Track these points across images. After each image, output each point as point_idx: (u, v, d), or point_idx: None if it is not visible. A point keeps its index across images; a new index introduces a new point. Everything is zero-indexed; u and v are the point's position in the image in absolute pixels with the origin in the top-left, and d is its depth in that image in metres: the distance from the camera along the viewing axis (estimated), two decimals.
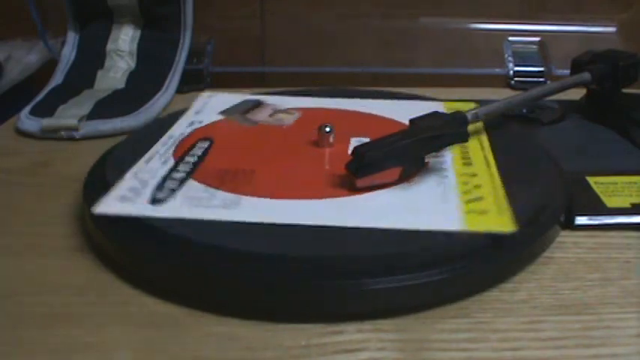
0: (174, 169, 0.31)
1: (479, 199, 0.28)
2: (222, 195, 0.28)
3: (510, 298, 0.25)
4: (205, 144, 0.33)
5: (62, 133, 0.41)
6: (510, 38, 0.55)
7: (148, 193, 0.28)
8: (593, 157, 0.35)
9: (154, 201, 0.28)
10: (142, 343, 0.23)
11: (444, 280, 0.24)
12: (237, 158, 0.32)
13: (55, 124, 0.42)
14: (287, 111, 0.39)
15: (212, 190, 0.29)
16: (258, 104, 0.40)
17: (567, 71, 0.42)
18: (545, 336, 0.23)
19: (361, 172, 0.28)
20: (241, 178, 0.30)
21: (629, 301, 0.25)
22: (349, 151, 0.29)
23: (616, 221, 0.30)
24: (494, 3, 0.56)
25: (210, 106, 0.40)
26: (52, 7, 0.52)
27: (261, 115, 0.38)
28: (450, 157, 0.32)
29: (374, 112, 0.39)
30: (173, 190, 0.28)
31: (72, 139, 0.41)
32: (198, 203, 0.28)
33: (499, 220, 0.26)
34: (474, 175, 0.30)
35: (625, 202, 0.30)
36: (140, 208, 0.27)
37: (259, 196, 0.28)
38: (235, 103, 0.40)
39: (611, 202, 0.30)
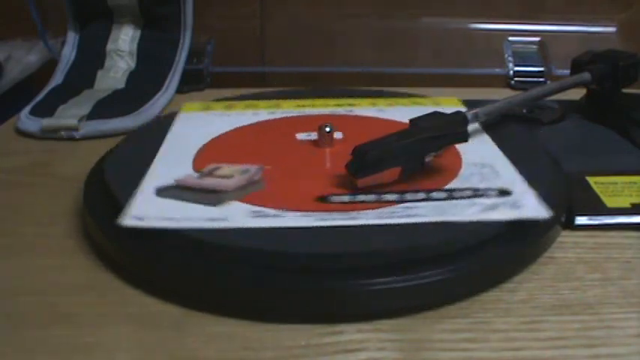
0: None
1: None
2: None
3: (510, 298, 0.25)
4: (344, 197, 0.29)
5: (62, 133, 0.41)
6: (510, 38, 0.55)
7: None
8: (593, 157, 0.35)
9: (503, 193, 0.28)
10: (142, 343, 0.23)
11: (444, 280, 0.24)
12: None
13: (55, 124, 0.42)
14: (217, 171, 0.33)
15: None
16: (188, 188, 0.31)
17: (567, 71, 0.42)
18: (545, 336, 0.23)
19: (361, 172, 0.28)
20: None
21: (629, 301, 0.25)
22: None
23: (616, 221, 0.30)
24: (494, 3, 0.56)
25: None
26: (52, 7, 0.52)
27: (226, 183, 0.31)
28: None
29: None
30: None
31: (72, 139, 0.41)
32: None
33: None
34: None
35: (625, 202, 0.30)
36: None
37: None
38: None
39: (611, 202, 0.30)
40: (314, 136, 0.34)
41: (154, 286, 0.26)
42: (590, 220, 0.30)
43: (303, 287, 0.24)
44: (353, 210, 0.27)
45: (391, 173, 0.29)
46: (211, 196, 0.28)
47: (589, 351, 0.22)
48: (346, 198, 0.28)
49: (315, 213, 0.27)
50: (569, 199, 0.30)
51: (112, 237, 0.27)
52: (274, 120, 0.39)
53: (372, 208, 0.27)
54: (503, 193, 0.28)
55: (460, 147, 0.32)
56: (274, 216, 0.27)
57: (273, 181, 0.30)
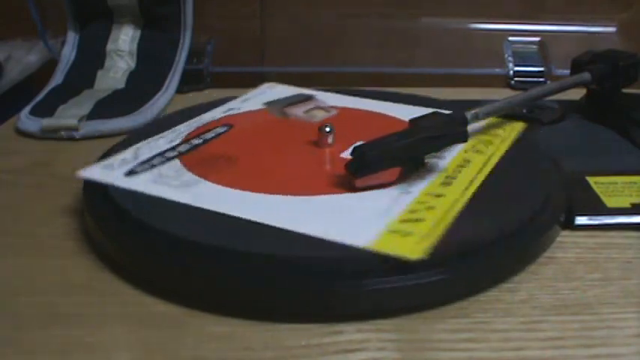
0: (173, 148, 0.31)
1: (418, 220, 0.26)
2: (187, 176, 0.29)
3: (510, 298, 0.25)
4: (222, 129, 0.33)
5: (62, 133, 0.41)
6: (510, 38, 0.55)
7: (131, 165, 0.29)
8: (593, 157, 0.35)
9: (129, 173, 0.28)
10: (142, 343, 0.23)
11: (444, 280, 0.24)
12: (235, 146, 0.33)
13: (55, 124, 0.42)
14: (325, 109, 0.39)
15: (182, 171, 0.29)
16: (305, 99, 0.40)
17: (567, 71, 0.42)
18: (545, 336, 0.23)
19: (361, 172, 0.28)
20: (221, 165, 0.31)
21: (629, 301, 0.25)
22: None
23: (616, 221, 0.30)
24: (494, 3, 0.56)
25: (260, 96, 0.40)
26: (52, 7, 0.52)
27: (297, 110, 0.38)
28: (431, 175, 0.30)
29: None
30: (153, 166, 0.29)
31: (72, 139, 0.41)
32: (162, 181, 0.28)
33: (411, 246, 0.24)
34: (439, 196, 0.28)
35: (625, 202, 0.30)
36: (113, 177, 0.28)
37: (223, 184, 0.29)
38: (289, 95, 0.41)
39: (611, 202, 0.30)
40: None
41: (153, 286, 0.26)
42: (590, 220, 0.30)
43: (303, 287, 0.24)
44: None
45: (391, 173, 0.29)
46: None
47: (589, 351, 0.22)
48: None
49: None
50: (569, 199, 0.30)
51: (112, 237, 0.27)
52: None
53: None
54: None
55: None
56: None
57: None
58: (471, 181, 0.29)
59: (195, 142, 0.33)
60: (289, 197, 0.28)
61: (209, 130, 0.35)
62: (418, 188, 0.29)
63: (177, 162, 0.31)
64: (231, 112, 0.38)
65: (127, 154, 0.31)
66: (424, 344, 0.23)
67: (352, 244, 0.24)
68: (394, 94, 0.43)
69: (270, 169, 0.31)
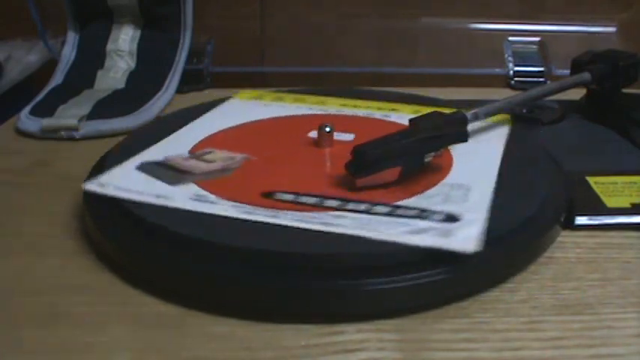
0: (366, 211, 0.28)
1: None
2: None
3: (510, 298, 0.25)
4: (289, 196, 0.29)
5: (62, 133, 0.41)
6: (510, 38, 0.55)
7: (427, 224, 0.26)
8: (593, 157, 0.35)
9: (449, 219, 0.26)
10: (142, 343, 0.23)
11: (444, 280, 0.24)
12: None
13: (55, 124, 0.42)
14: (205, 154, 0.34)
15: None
16: (168, 166, 0.33)
17: (567, 71, 0.42)
18: (545, 336, 0.23)
19: (360, 172, 0.28)
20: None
21: (629, 301, 0.25)
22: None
23: (616, 221, 0.30)
24: (494, 3, 0.56)
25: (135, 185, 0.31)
26: (52, 7, 0.52)
27: (203, 166, 0.32)
28: None
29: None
30: (422, 211, 0.27)
31: (72, 139, 0.41)
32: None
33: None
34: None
35: (625, 202, 0.30)
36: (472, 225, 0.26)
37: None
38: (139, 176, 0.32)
39: (611, 202, 0.30)
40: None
41: (154, 286, 0.26)
42: (590, 220, 0.30)
43: (303, 287, 0.24)
44: (291, 209, 0.27)
45: (391, 173, 0.29)
46: (177, 176, 0.31)
47: (589, 351, 0.22)
48: (289, 197, 0.28)
49: (248, 206, 0.27)
50: (569, 199, 0.30)
51: (112, 237, 0.27)
52: (301, 116, 0.39)
53: (308, 211, 0.27)
54: (450, 218, 0.26)
55: (461, 155, 0.32)
56: (211, 202, 0.28)
57: (247, 171, 0.31)
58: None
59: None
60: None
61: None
62: None
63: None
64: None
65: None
66: (424, 344, 0.23)
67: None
68: (395, 94, 0.43)
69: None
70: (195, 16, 0.52)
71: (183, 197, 0.28)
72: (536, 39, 0.55)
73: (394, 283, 0.24)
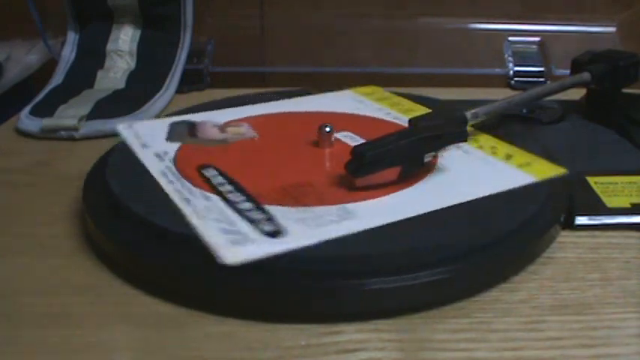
0: (232, 202, 0.28)
1: (509, 156, 0.31)
2: (332, 209, 0.27)
3: (510, 298, 0.25)
4: (213, 172, 0.31)
5: (62, 133, 0.41)
6: (510, 38, 0.55)
7: (247, 229, 0.25)
8: (593, 157, 0.35)
9: (272, 234, 0.25)
10: (142, 343, 0.23)
11: (444, 280, 0.24)
12: (268, 171, 0.31)
13: (55, 124, 0.42)
14: (233, 124, 0.37)
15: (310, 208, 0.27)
16: (192, 126, 0.37)
17: (567, 71, 0.42)
18: (545, 336, 0.23)
19: (360, 172, 0.28)
20: (307, 191, 0.29)
21: (629, 301, 0.25)
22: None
23: (616, 221, 0.30)
24: (494, 3, 0.56)
25: (148, 136, 0.35)
26: (52, 7, 0.52)
27: (211, 133, 0.36)
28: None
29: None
30: (270, 220, 0.26)
31: (72, 139, 0.41)
32: (315, 223, 0.26)
33: (547, 167, 0.30)
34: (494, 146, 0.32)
35: (625, 202, 0.30)
36: (266, 246, 0.24)
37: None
38: (162, 129, 0.36)
39: (611, 202, 0.30)
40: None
41: (153, 286, 0.26)
42: (590, 220, 0.30)
43: (303, 287, 0.24)
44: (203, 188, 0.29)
45: (390, 173, 0.29)
46: (182, 135, 0.35)
47: (589, 351, 0.22)
48: (211, 173, 0.30)
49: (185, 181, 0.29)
50: (569, 199, 0.30)
51: (112, 237, 0.27)
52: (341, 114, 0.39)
53: (207, 190, 0.29)
54: (274, 233, 0.25)
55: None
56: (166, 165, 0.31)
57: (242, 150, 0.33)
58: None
59: (228, 188, 0.30)
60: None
61: (209, 179, 0.31)
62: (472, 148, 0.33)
63: (270, 205, 0.28)
64: (166, 160, 0.33)
65: (212, 223, 0.27)
66: (424, 344, 0.23)
67: (521, 184, 0.29)
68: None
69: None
70: (195, 16, 0.52)
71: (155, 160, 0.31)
72: (536, 39, 0.55)
73: (394, 283, 0.24)
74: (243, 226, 0.25)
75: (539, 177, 0.29)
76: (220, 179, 0.29)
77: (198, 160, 0.31)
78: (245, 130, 0.36)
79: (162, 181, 0.29)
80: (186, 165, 0.31)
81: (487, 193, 0.28)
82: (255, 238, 0.25)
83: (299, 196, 0.28)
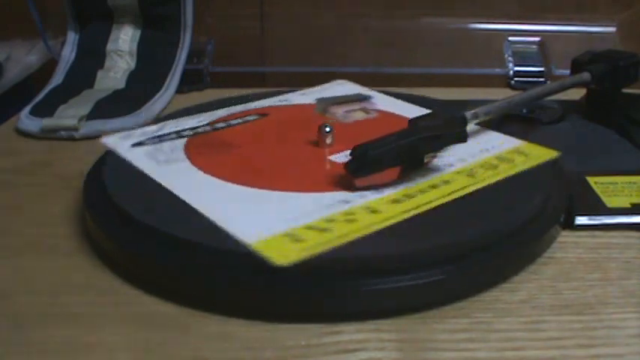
0: (194, 127, 0.32)
1: (324, 230, 0.25)
2: (177, 155, 0.30)
3: (510, 298, 0.25)
4: (251, 118, 0.34)
5: (62, 133, 0.41)
6: (510, 38, 0.55)
7: (145, 137, 0.30)
8: (593, 157, 0.35)
9: (136, 144, 0.30)
10: (142, 343, 0.23)
11: (444, 280, 0.24)
12: (246, 137, 0.33)
13: (55, 124, 0.42)
14: (368, 111, 0.38)
15: (178, 150, 0.30)
16: (357, 99, 0.40)
17: (567, 71, 0.42)
18: (545, 336, 0.23)
19: (360, 172, 0.28)
20: (218, 151, 0.31)
21: (629, 301, 0.25)
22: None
23: (616, 221, 0.30)
24: (494, 3, 0.56)
25: (321, 92, 0.40)
26: (52, 7, 0.52)
27: (339, 109, 0.38)
28: (394, 188, 0.29)
29: None
30: (161, 141, 0.30)
31: (72, 139, 0.41)
32: (152, 156, 0.30)
33: (288, 252, 0.23)
34: (375, 212, 0.26)
35: (625, 202, 0.30)
36: (123, 146, 0.30)
37: (203, 168, 0.30)
38: (348, 93, 0.41)
39: (611, 202, 0.30)
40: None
41: (154, 286, 0.26)
42: (590, 220, 0.30)
43: (303, 287, 0.24)
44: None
45: (390, 173, 0.29)
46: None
47: (589, 351, 0.22)
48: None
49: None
50: (569, 199, 0.30)
51: (112, 237, 0.27)
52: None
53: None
54: None
55: None
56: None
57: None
58: (426, 204, 0.27)
59: (219, 125, 0.34)
60: (248, 189, 0.28)
61: (239, 117, 0.35)
62: (364, 199, 0.27)
63: (183, 141, 0.32)
64: (280, 103, 0.38)
65: (154, 127, 0.32)
66: (424, 344, 0.23)
67: (239, 238, 0.24)
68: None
69: (258, 163, 0.32)
70: (195, 16, 0.52)
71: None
72: (536, 39, 0.55)
73: (394, 283, 0.24)
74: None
75: (255, 247, 0.24)
76: (233, 121, 0.31)
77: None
78: (357, 117, 0.37)
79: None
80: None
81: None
82: (129, 141, 0.29)
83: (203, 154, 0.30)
